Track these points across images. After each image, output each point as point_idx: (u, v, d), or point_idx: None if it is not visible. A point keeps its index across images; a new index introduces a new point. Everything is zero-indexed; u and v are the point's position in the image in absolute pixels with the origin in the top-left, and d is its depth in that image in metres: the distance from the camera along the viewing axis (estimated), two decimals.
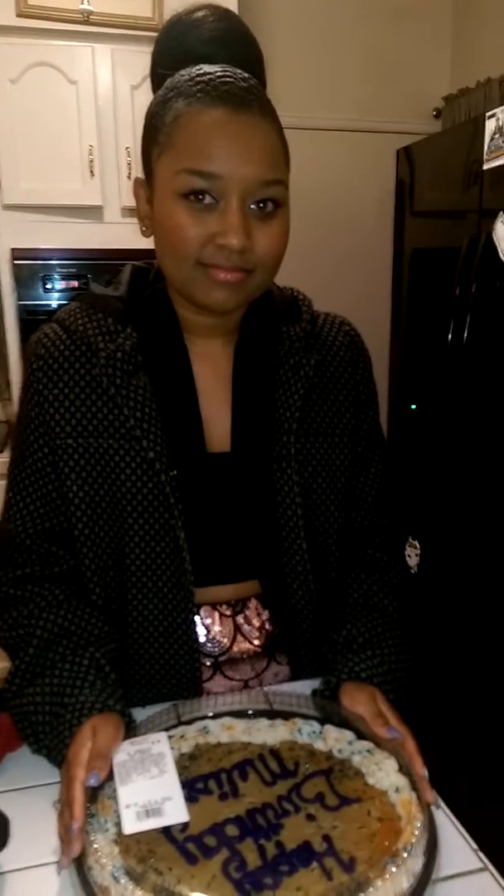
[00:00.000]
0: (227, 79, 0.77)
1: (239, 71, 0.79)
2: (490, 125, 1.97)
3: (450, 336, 2.13)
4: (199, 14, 0.82)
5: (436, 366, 2.25)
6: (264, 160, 0.76)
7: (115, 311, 0.87)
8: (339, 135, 2.92)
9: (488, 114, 1.98)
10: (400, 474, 2.47)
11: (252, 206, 0.77)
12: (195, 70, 0.79)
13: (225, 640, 0.93)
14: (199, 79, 0.77)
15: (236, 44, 0.82)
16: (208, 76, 0.77)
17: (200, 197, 0.76)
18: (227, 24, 0.82)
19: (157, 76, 0.84)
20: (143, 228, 0.86)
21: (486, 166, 2.00)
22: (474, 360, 2.06)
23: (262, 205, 0.77)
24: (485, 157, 2.00)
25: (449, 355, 2.14)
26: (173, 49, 0.82)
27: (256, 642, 0.94)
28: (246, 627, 0.94)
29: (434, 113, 2.98)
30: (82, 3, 2.11)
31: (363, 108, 2.94)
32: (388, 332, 2.75)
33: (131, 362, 0.85)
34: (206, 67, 0.78)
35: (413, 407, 2.52)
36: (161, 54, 0.84)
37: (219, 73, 0.77)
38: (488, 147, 1.98)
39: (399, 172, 2.63)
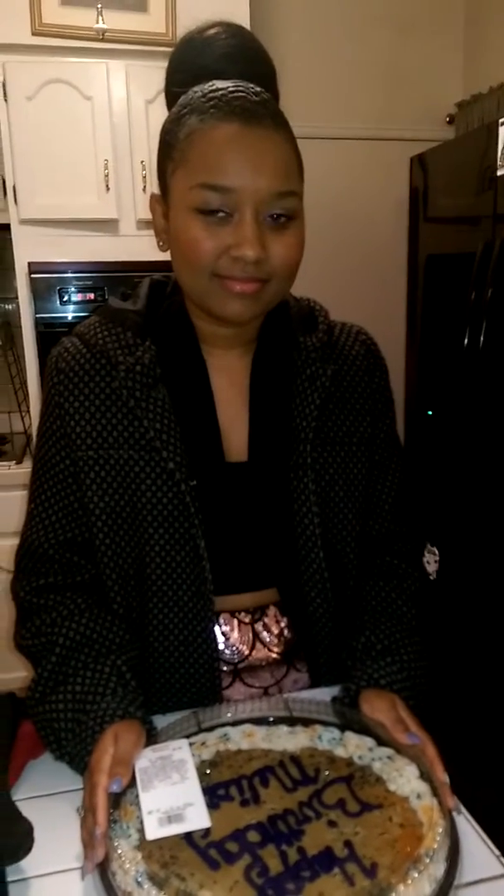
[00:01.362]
0: (240, 93, 0.78)
1: (251, 85, 0.80)
2: (503, 131, 1.97)
3: (465, 341, 2.12)
4: (212, 31, 0.83)
5: (452, 371, 2.24)
6: (277, 172, 0.77)
7: (134, 325, 0.89)
8: (352, 143, 2.93)
9: (501, 120, 1.98)
10: (417, 480, 2.47)
11: (266, 218, 0.78)
12: (208, 86, 0.80)
13: (244, 648, 0.93)
14: (211, 94, 0.78)
15: (248, 60, 0.83)
16: (220, 91, 0.78)
17: (215, 211, 0.77)
18: (239, 41, 0.83)
19: (172, 94, 0.85)
20: (160, 243, 0.87)
21: (499, 172, 2.00)
22: (490, 365, 2.05)
23: (276, 216, 0.78)
24: (498, 162, 2.00)
25: (465, 361, 2.13)
26: (186, 66, 0.84)
27: (275, 650, 0.95)
28: (265, 635, 0.94)
29: (447, 119, 2.98)
30: (97, 22, 2.14)
31: (376, 116, 2.95)
32: (404, 338, 2.75)
33: (150, 375, 0.86)
34: (219, 83, 0.80)
35: (429, 413, 2.51)
36: (175, 72, 0.85)
37: (231, 88, 0.78)
38: (502, 153, 1.98)
39: (413, 180, 2.64)
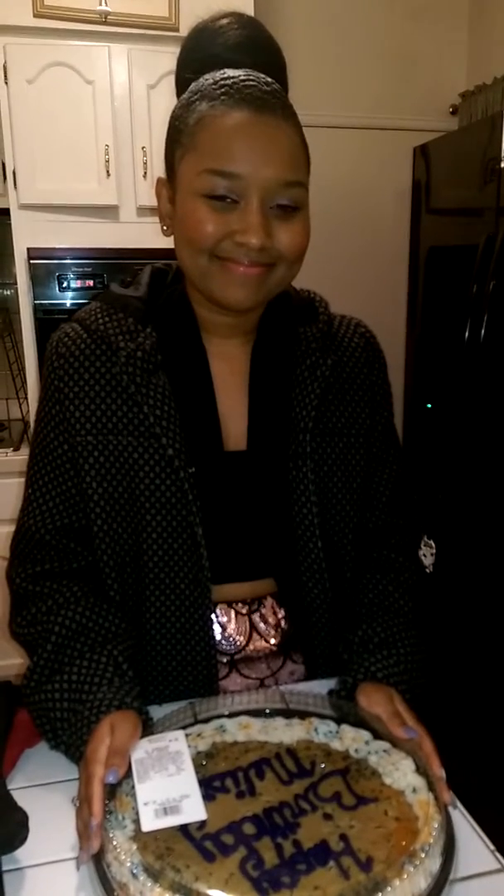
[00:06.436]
0: (250, 82, 0.78)
1: (262, 75, 0.80)
2: None
3: (466, 334, 2.12)
4: (224, 21, 0.83)
5: (452, 364, 2.24)
6: (285, 162, 0.77)
7: (135, 311, 0.88)
8: (355, 132, 2.91)
9: None
10: (415, 473, 2.47)
11: (272, 208, 0.78)
12: (219, 74, 0.80)
13: (240, 639, 0.93)
14: (222, 82, 0.78)
15: (260, 50, 0.83)
16: (231, 80, 0.78)
17: (222, 197, 0.77)
18: (251, 32, 0.84)
19: (182, 81, 0.85)
20: (164, 228, 0.87)
21: (503, 164, 1.99)
22: (491, 358, 2.05)
23: (282, 206, 0.78)
24: (502, 154, 1.99)
25: (465, 353, 2.13)
26: (198, 54, 0.84)
27: (272, 641, 0.94)
28: (261, 626, 0.94)
29: (451, 109, 2.96)
30: (100, 5, 2.11)
31: (380, 105, 2.93)
32: (404, 330, 2.75)
33: (151, 361, 0.85)
34: (230, 71, 0.80)
35: (429, 405, 2.51)
36: (186, 59, 0.86)
37: (242, 77, 0.78)
38: None
39: (416, 170, 2.63)
